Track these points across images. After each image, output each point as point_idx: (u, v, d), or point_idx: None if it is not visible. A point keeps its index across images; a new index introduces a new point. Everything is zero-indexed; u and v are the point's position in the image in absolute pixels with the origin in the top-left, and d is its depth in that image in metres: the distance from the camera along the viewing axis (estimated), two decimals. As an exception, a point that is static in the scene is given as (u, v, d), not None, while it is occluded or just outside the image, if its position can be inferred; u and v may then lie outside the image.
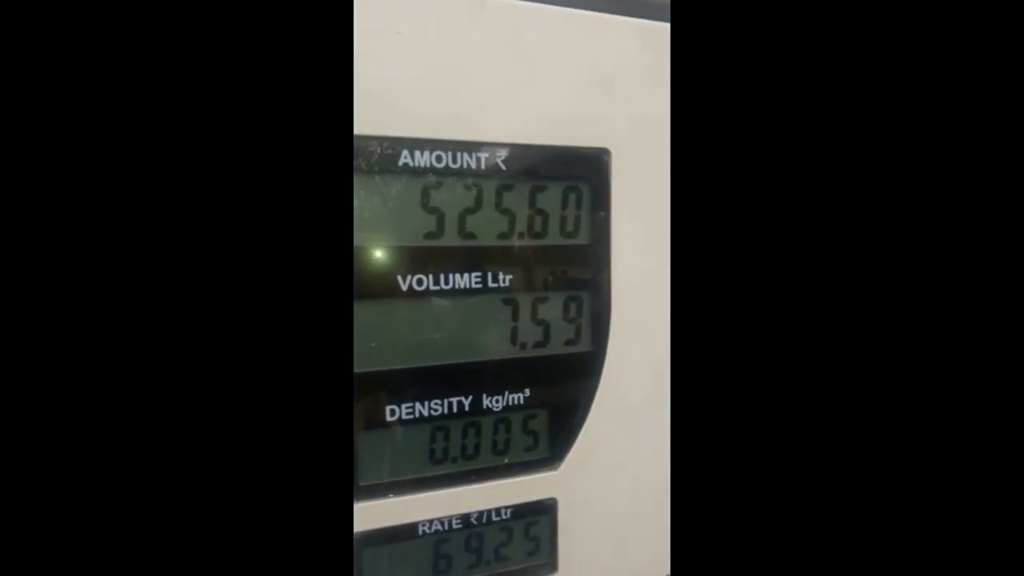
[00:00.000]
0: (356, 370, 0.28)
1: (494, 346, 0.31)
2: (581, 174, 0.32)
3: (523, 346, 0.31)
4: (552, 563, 0.32)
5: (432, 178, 0.29)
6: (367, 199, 0.28)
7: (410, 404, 0.29)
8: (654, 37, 0.31)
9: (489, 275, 0.30)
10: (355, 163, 0.27)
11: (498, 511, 0.31)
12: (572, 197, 0.32)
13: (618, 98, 0.31)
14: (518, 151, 0.30)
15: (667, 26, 0.31)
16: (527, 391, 0.31)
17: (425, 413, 0.30)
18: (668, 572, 0.34)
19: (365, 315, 0.28)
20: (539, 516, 0.32)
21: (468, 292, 0.30)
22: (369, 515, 0.29)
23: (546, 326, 0.32)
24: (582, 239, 0.32)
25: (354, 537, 0.28)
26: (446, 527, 0.30)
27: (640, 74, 0.31)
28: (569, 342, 0.32)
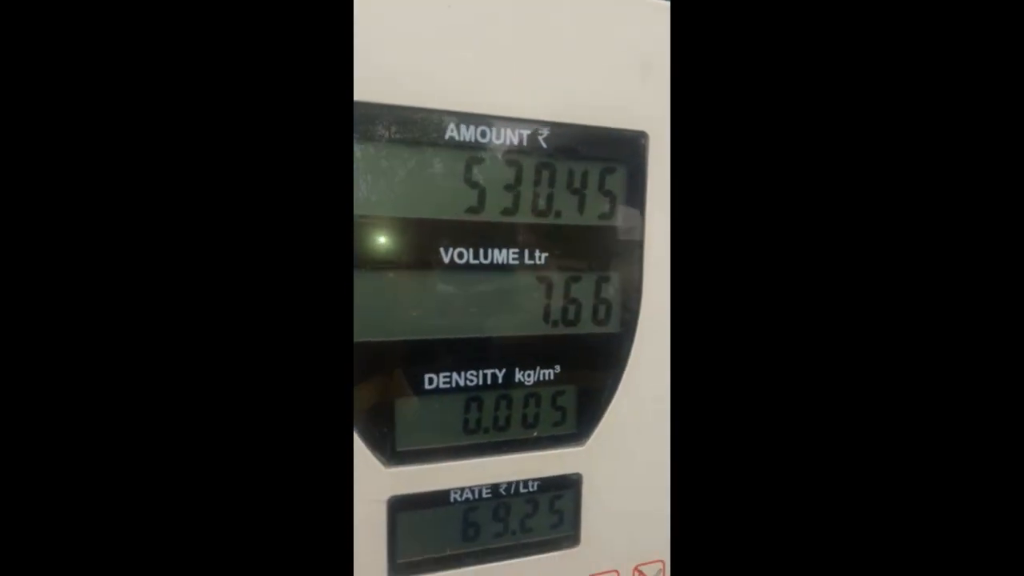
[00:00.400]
0: (398, 338, 0.29)
1: (527, 322, 0.32)
2: (619, 156, 0.32)
3: (555, 324, 0.32)
4: (575, 536, 0.34)
5: (476, 153, 0.29)
6: (414, 170, 0.29)
7: (447, 374, 0.30)
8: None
9: (526, 252, 0.31)
10: (403, 135, 0.28)
11: (526, 483, 0.32)
12: (609, 179, 0.32)
13: (657, 82, 0.32)
14: (559, 130, 0.31)
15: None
16: (557, 368, 0.32)
17: (461, 383, 0.30)
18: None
19: (408, 285, 0.29)
20: (564, 490, 0.33)
21: (505, 268, 0.31)
22: (404, 480, 0.30)
23: (577, 305, 0.33)
24: (617, 221, 0.33)
25: (389, 501, 0.29)
26: (476, 496, 0.31)
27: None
28: (599, 322, 0.33)
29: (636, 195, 0.33)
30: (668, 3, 0.32)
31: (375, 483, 0.29)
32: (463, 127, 0.29)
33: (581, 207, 0.32)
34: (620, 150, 0.32)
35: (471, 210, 0.30)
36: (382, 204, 0.28)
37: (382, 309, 0.29)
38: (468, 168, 0.30)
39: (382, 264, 0.28)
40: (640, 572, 0.35)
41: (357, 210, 0.28)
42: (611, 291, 0.33)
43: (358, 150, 0.27)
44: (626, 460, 0.34)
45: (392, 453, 0.29)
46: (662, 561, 0.36)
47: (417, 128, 0.28)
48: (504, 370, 0.31)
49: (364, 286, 0.28)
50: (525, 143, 0.30)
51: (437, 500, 0.31)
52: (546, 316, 0.32)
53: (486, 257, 0.30)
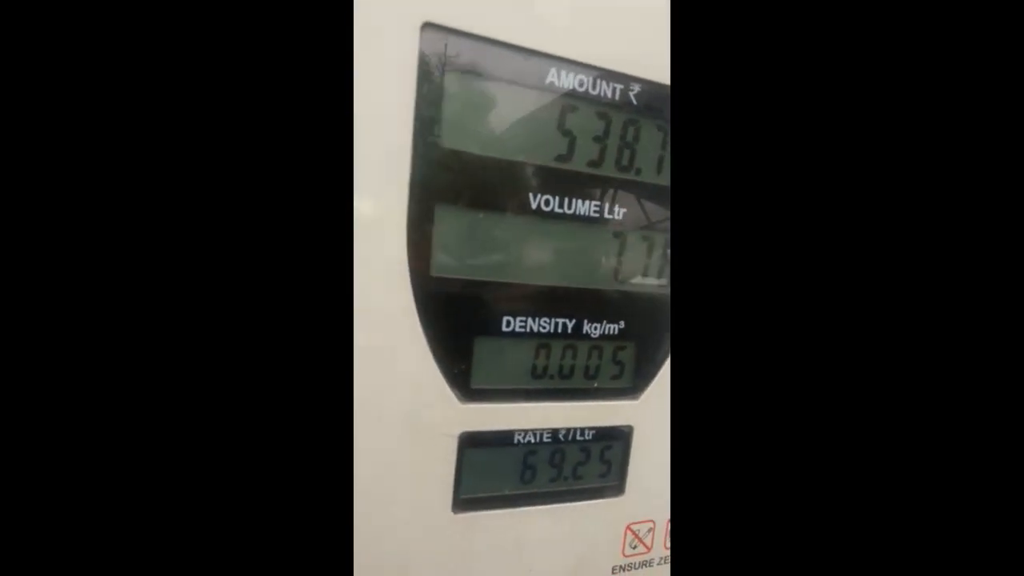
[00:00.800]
0: (481, 278, 0.29)
1: (601, 276, 0.33)
2: (700, 121, 0.33)
3: (624, 280, 0.33)
4: (620, 487, 0.35)
5: (571, 101, 0.30)
6: (511, 111, 0.29)
7: (523, 318, 0.31)
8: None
9: (606, 206, 0.32)
10: (505, 74, 0.28)
11: (582, 431, 0.34)
12: (688, 142, 0.33)
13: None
14: (649, 88, 0.31)
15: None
16: (622, 323, 0.34)
17: (534, 328, 0.31)
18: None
19: (496, 227, 0.29)
20: (615, 441, 0.35)
21: (587, 220, 0.31)
22: (476, 417, 0.30)
23: (646, 264, 0.34)
24: (690, 184, 0.34)
25: (460, 436, 0.30)
26: (538, 439, 0.32)
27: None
28: (663, 285, 0.34)
29: (711, 161, 0.34)
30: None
31: (450, 417, 0.29)
32: (563, 73, 0.29)
33: (659, 167, 0.33)
34: (702, 115, 0.33)
35: (560, 158, 0.30)
36: (473, 140, 0.28)
37: (466, 247, 0.29)
38: (562, 115, 0.30)
39: (470, 202, 0.29)
40: (674, 524, 0.37)
41: (447, 143, 0.28)
42: (678, 253, 0.34)
43: (452, 80, 0.27)
44: (675, 416, 0.35)
45: (467, 390, 0.30)
46: (694, 515, 0.38)
47: (519, 68, 0.28)
48: (574, 321, 0.32)
49: (450, 221, 0.28)
50: (617, 97, 0.31)
51: (503, 440, 0.32)
52: (617, 272, 0.33)
53: (570, 207, 0.31)
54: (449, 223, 0.28)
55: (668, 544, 0.37)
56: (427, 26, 0.26)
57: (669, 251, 0.34)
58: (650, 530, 0.37)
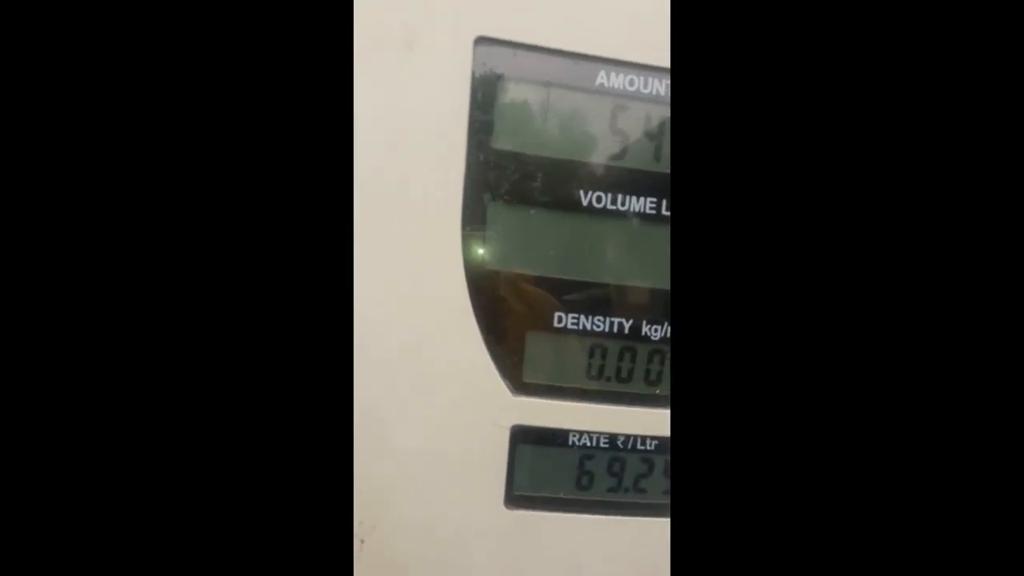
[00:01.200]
0: (533, 272, 0.30)
1: (659, 275, 0.32)
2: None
3: (688, 279, 0.32)
4: (691, 504, 0.33)
5: (622, 100, 0.31)
6: (564, 114, 0.30)
7: (576, 315, 0.31)
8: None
9: (663, 203, 0.32)
10: (556, 80, 0.30)
11: (643, 439, 0.32)
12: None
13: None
14: (708, 85, 0.31)
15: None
16: (687, 324, 0.32)
17: (588, 327, 0.31)
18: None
19: (546, 223, 0.30)
20: (683, 453, 0.33)
21: (642, 217, 0.31)
22: (528, 411, 0.31)
23: (713, 263, 0.32)
24: (760, 181, 0.32)
25: (512, 429, 0.30)
26: (594, 443, 0.32)
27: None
28: (735, 283, 0.33)
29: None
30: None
31: (501, 409, 0.30)
32: (613, 74, 0.30)
33: (724, 164, 0.32)
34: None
35: (614, 156, 0.31)
36: (527, 142, 0.30)
37: (519, 242, 0.30)
38: (614, 115, 0.31)
39: (522, 199, 0.30)
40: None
41: (499, 144, 0.30)
42: (749, 253, 0.33)
43: (504, 87, 0.29)
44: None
45: (519, 383, 0.31)
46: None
47: (569, 73, 0.30)
48: (631, 321, 0.32)
49: (504, 218, 0.30)
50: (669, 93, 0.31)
51: (556, 438, 0.32)
52: (679, 271, 0.32)
53: (623, 204, 0.31)
54: (502, 220, 0.30)
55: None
56: (480, 40, 0.29)
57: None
58: (728, 560, 0.33)
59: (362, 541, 0.29)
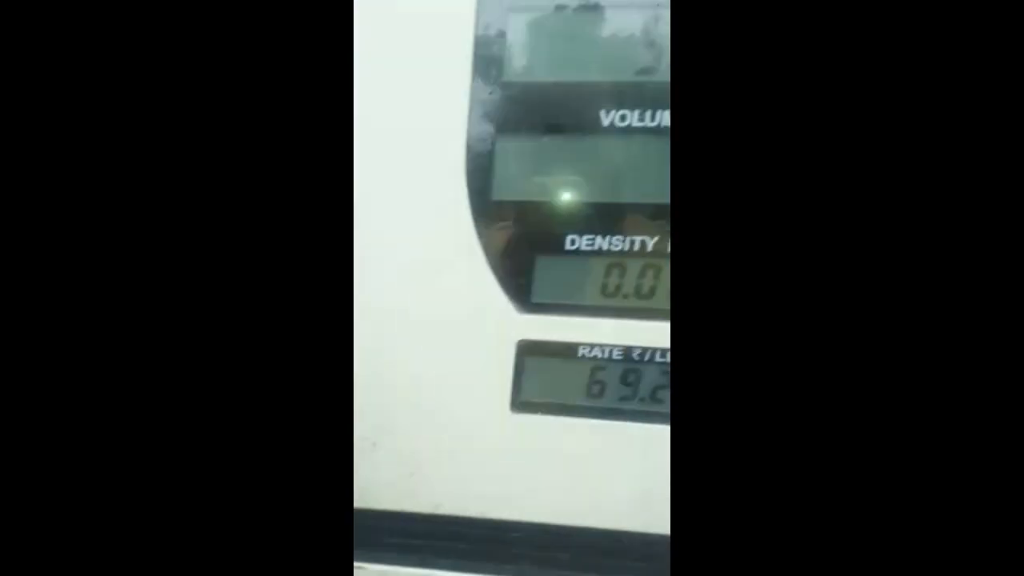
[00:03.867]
0: (541, 199, 0.31)
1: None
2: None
3: (720, 200, 0.31)
4: (700, 417, 0.36)
5: (656, 10, 0.28)
6: (585, 30, 0.29)
7: (591, 236, 0.32)
8: None
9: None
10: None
11: (663, 351, 0.34)
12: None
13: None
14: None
15: None
16: (714, 248, 0.32)
17: (605, 247, 0.32)
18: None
19: (558, 149, 0.31)
20: (697, 371, 0.35)
21: (656, 131, 0.30)
22: (535, 327, 0.34)
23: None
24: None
25: (517, 344, 0.34)
26: (606, 355, 0.35)
27: None
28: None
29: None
30: None
31: (506, 327, 0.33)
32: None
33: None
34: None
35: (643, 71, 0.29)
36: (540, 67, 0.30)
37: (528, 171, 0.31)
38: (646, 27, 0.28)
39: (533, 128, 0.30)
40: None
41: (509, 76, 0.29)
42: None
43: (520, 18, 0.29)
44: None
45: (526, 302, 0.33)
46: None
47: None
48: (656, 238, 0.32)
49: (512, 150, 0.31)
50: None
51: (564, 351, 0.35)
52: (711, 192, 0.31)
53: (653, 119, 0.30)
54: (511, 152, 0.31)
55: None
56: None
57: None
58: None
59: (374, 444, 0.36)
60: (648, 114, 0.30)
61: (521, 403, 0.36)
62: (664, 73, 0.29)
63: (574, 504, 0.38)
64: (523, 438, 0.36)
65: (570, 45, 0.29)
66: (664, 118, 0.30)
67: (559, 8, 0.29)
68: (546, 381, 0.36)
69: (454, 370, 0.35)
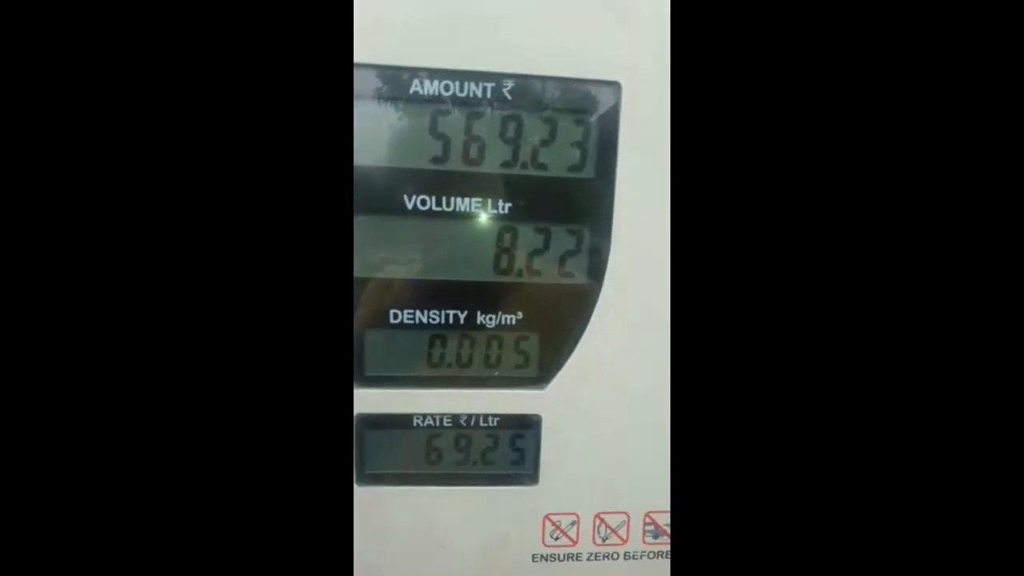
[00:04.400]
0: (365, 275, 0.35)
1: (489, 269, 0.36)
2: (589, 107, 0.35)
3: (519, 272, 0.37)
4: (534, 475, 0.39)
5: (440, 106, 0.34)
6: (380, 124, 0.34)
7: (411, 311, 0.36)
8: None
9: (489, 201, 0.35)
10: (369, 90, 0.33)
11: (485, 417, 0.38)
12: (579, 130, 0.35)
13: (630, 30, 0.34)
14: (525, 82, 0.34)
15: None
16: (519, 314, 0.37)
17: (424, 320, 0.36)
18: (647, 503, 0.39)
19: (374, 228, 0.35)
20: (525, 430, 0.38)
21: (467, 216, 0.36)
22: (371, 402, 0.36)
23: (543, 256, 0.36)
24: (587, 173, 0.36)
25: (356, 418, 0.36)
26: (437, 423, 0.37)
27: (653, 5, 0.33)
28: (566, 274, 0.37)
29: (607, 147, 0.35)
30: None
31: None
32: (427, 82, 0.34)
33: (549, 158, 0.36)
34: (590, 101, 0.35)
35: (436, 159, 0.35)
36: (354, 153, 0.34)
37: (354, 249, 0.35)
38: (433, 120, 0.34)
39: (352, 207, 0.35)
40: (602, 520, 0.39)
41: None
42: (579, 243, 0.37)
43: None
44: (587, 409, 0.38)
45: (360, 376, 0.36)
46: (626, 514, 0.39)
47: (383, 84, 0.34)
48: (466, 312, 0.37)
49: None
50: (489, 95, 0.34)
51: (400, 422, 0.37)
52: (510, 264, 0.36)
53: (448, 205, 0.35)
54: None
55: (598, 541, 0.39)
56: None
57: (570, 242, 0.36)
58: (573, 523, 0.39)
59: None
60: (444, 199, 0.35)
61: (366, 476, 0.38)
62: (453, 163, 0.35)
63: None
64: (371, 510, 0.38)
65: (374, 132, 0.34)
66: (457, 203, 0.36)
67: (362, 98, 0.34)
68: (387, 452, 0.38)
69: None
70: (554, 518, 0.39)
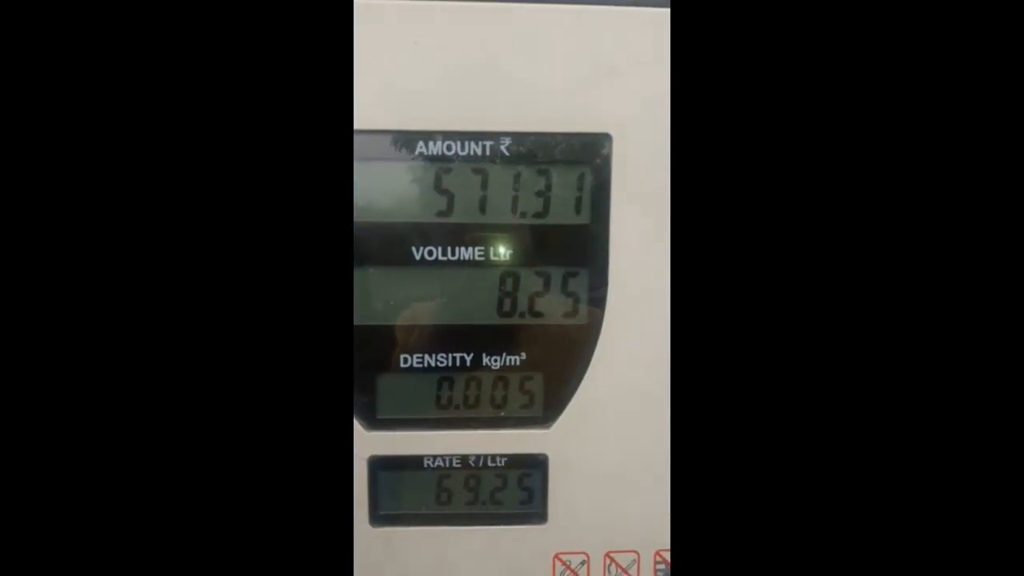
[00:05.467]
0: (375, 323, 0.38)
1: (493, 313, 0.39)
2: (583, 159, 0.38)
3: (522, 315, 0.39)
4: (542, 514, 0.40)
5: (444, 164, 0.37)
6: (389, 182, 0.38)
7: (420, 355, 0.39)
8: (657, 24, 0.37)
9: (491, 250, 0.38)
10: (380, 152, 0.37)
11: (493, 457, 0.40)
12: (574, 180, 0.39)
13: (621, 85, 0.37)
14: (522, 139, 0.38)
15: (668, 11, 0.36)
16: (523, 355, 0.39)
17: (432, 363, 0.39)
18: (657, 541, 0.40)
19: (384, 279, 0.38)
20: (532, 469, 0.40)
21: (472, 264, 0.38)
22: (383, 443, 0.39)
23: (545, 298, 0.39)
24: (583, 219, 0.39)
25: (369, 460, 0.38)
26: (447, 464, 0.39)
27: (643, 60, 0.36)
28: (566, 315, 0.39)
29: (601, 194, 0.38)
30: (634, 9, 0.37)
31: (357, 444, 0.38)
32: (431, 143, 0.37)
33: (547, 207, 0.39)
34: (584, 153, 0.38)
35: (441, 213, 0.38)
36: (365, 210, 0.38)
37: (365, 298, 0.38)
38: (438, 177, 0.38)
39: (363, 260, 0.38)
40: (612, 559, 0.40)
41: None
42: (577, 285, 0.39)
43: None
44: (593, 447, 0.40)
45: (372, 420, 0.39)
46: (636, 552, 0.40)
47: (391, 146, 0.37)
48: (472, 354, 0.39)
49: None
50: (489, 153, 0.38)
51: (412, 464, 0.39)
52: (513, 307, 0.39)
53: (454, 254, 0.38)
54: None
55: (609, 579, 0.40)
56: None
57: (570, 285, 0.39)
58: (583, 563, 0.40)
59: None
60: (449, 250, 0.38)
61: (379, 516, 0.39)
62: (458, 215, 0.38)
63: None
64: (385, 551, 0.39)
65: (386, 192, 0.38)
66: (461, 253, 0.38)
67: (373, 160, 0.37)
68: (399, 493, 0.40)
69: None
70: (564, 557, 0.41)
